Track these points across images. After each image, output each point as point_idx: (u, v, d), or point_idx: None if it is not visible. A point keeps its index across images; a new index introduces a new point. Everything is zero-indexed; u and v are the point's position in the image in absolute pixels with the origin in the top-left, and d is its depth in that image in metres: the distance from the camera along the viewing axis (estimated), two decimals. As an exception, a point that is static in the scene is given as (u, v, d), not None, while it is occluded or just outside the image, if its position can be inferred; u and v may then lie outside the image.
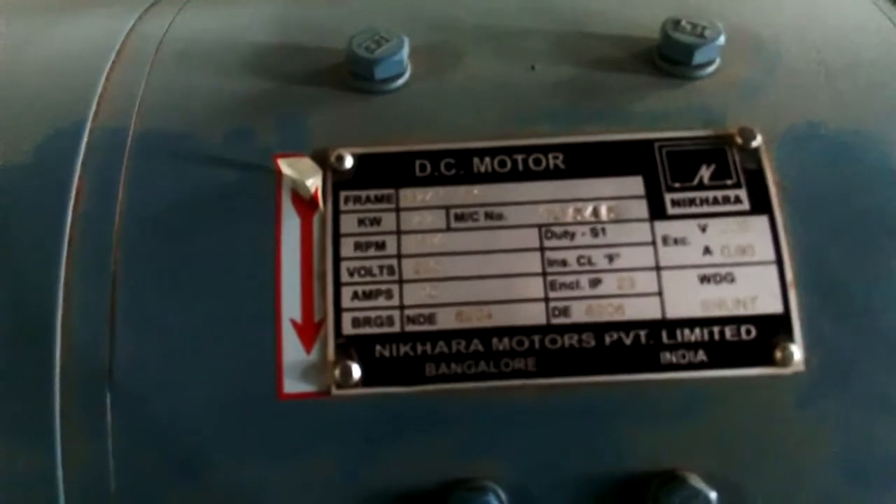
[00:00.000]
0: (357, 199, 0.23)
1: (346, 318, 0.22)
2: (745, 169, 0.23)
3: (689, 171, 0.23)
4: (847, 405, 0.22)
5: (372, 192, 0.23)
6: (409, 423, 0.22)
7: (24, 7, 0.32)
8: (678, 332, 0.22)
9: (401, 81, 0.25)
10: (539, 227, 0.23)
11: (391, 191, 0.23)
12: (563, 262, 0.23)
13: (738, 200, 0.23)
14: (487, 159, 0.24)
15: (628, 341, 0.22)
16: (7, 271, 0.23)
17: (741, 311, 0.22)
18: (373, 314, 0.22)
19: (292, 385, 0.22)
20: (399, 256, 0.23)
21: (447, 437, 0.22)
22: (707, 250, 0.23)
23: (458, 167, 0.24)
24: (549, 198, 0.23)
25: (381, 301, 0.22)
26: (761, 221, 0.23)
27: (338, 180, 0.23)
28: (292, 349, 0.22)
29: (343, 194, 0.23)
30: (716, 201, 0.23)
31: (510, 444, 0.22)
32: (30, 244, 0.23)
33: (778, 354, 0.22)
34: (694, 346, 0.22)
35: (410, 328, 0.22)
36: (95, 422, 0.22)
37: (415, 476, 0.22)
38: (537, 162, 0.24)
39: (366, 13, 0.29)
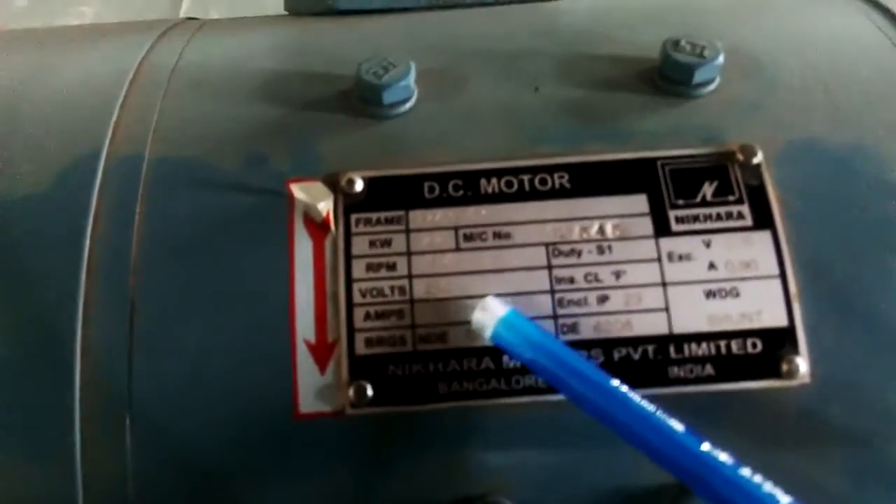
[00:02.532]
0: (368, 221, 0.24)
1: (360, 339, 0.23)
2: (747, 185, 0.24)
3: (691, 188, 0.24)
4: (853, 416, 0.22)
5: (382, 214, 0.24)
6: (423, 440, 0.22)
7: (32, 39, 0.33)
8: (685, 347, 0.22)
9: (408, 105, 0.26)
10: (546, 245, 0.23)
11: (401, 212, 0.24)
12: (571, 280, 0.23)
13: (740, 216, 0.24)
14: (494, 180, 0.24)
15: (636, 356, 0.22)
16: (27, 297, 0.23)
17: (747, 325, 0.23)
18: (385, 334, 0.23)
19: (307, 405, 0.22)
20: (410, 277, 0.23)
21: (460, 454, 0.22)
22: (712, 265, 0.23)
23: (466, 188, 0.24)
24: (556, 217, 0.24)
25: (394, 321, 0.23)
26: (764, 236, 0.23)
27: (349, 203, 0.24)
28: (307, 370, 0.23)
29: (354, 217, 0.24)
30: (719, 217, 0.24)
31: (522, 459, 0.22)
32: (49, 271, 0.23)
33: (784, 367, 0.22)
34: (701, 361, 0.22)
35: (422, 347, 0.23)
36: (115, 443, 0.22)
37: (429, 492, 0.22)
38: (543, 182, 0.24)
39: (373, 39, 0.29)
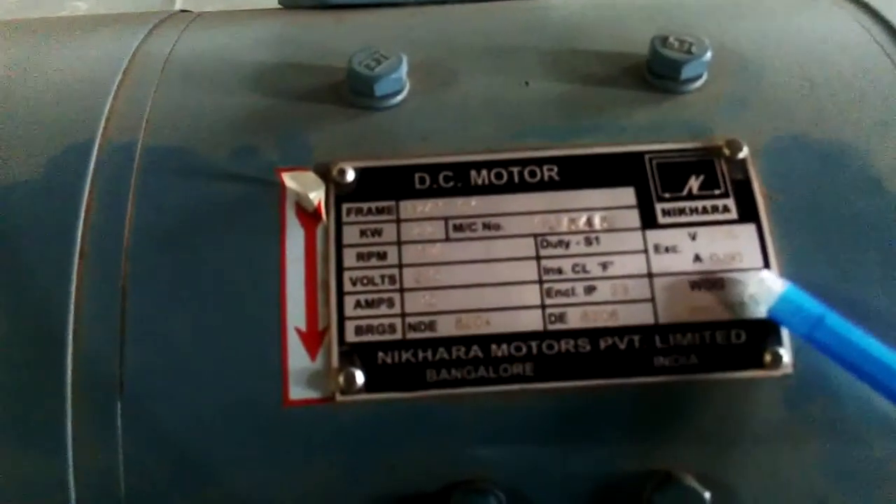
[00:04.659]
0: (359, 211, 0.24)
1: (350, 326, 0.23)
2: (733, 179, 0.24)
3: (678, 181, 0.24)
4: (834, 407, 0.23)
5: (373, 205, 0.24)
6: (412, 427, 0.23)
7: (26, 29, 0.33)
8: (670, 337, 0.23)
9: (400, 98, 0.26)
10: (535, 236, 0.24)
11: (392, 203, 0.24)
12: (559, 270, 0.23)
13: (726, 209, 0.24)
14: (484, 172, 0.25)
15: (622, 346, 0.23)
16: (19, 284, 0.23)
17: (731, 316, 0.23)
18: (375, 322, 0.23)
19: (298, 392, 0.23)
20: (400, 266, 0.23)
21: (448, 441, 0.23)
22: (697, 258, 0.23)
23: (456, 180, 0.25)
24: (545, 208, 0.24)
25: (383, 309, 0.23)
26: (749, 229, 0.24)
27: (340, 193, 0.24)
28: (297, 357, 0.23)
29: (345, 206, 0.24)
30: (705, 210, 0.24)
31: (509, 446, 0.23)
32: (42, 257, 0.24)
33: (767, 357, 0.23)
34: (686, 351, 0.23)
35: (412, 335, 0.23)
36: (106, 430, 0.22)
37: (417, 478, 0.22)
38: (532, 174, 0.25)
39: (365, 32, 0.30)
